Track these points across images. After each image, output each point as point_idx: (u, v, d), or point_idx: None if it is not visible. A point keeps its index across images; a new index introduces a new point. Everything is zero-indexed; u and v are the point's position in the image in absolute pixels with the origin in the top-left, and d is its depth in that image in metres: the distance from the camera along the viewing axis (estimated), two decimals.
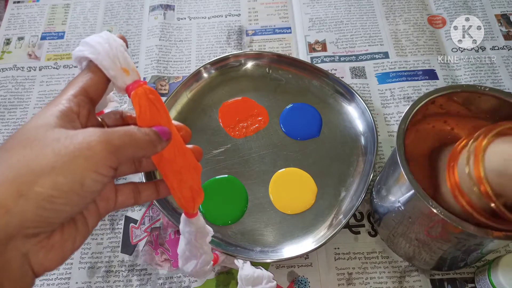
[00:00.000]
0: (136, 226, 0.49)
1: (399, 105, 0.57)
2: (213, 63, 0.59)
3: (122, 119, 0.31)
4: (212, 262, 0.39)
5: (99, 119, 0.29)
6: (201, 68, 0.58)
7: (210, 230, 0.36)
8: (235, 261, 0.44)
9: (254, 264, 0.44)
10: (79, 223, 0.26)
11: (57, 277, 0.46)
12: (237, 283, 0.43)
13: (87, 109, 0.27)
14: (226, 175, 0.51)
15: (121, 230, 0.49)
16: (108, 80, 0.27)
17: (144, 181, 0.48)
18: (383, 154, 0.54)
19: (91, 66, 0.27)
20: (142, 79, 0.28)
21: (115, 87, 0.28)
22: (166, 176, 0.29)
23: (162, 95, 0.59)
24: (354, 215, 0.49)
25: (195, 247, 0.35)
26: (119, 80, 0.27)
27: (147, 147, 0.26)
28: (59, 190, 0.22)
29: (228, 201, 0.50)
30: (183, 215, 0.33)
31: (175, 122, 0.30)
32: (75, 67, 0.63)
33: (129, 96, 0.27)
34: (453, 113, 0.43)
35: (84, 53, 0.27)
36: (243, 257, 0.45)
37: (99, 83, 0.27)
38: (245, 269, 0.43)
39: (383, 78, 0.60)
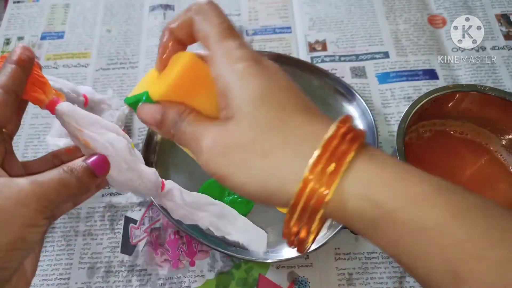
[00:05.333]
0: (136, 226, 0.49)
1: (400, 105, 0.57)
2: None
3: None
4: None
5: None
6: None
7: (96, 122, 0.29)
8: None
9: (255, 263, 0.44)
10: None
11: (56, 277, 0.46)
12: (237, 283, 0.42)
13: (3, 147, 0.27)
14: None
15: (121, 230, 0.49)
16: (15, 99, 0.27)
17: None
18: None
19: None
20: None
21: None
22: None
23: None
24: None
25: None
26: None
27: (81, 193, 0.26)
28: (2, 251, 0.22)
29: (228, 202, 0.50)
30: None
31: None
32: (75, 66, 0.63)
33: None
34: (453, 113, 0.43)
35: None
36: (243, 257, 0.45)
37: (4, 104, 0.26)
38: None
39: (384, 78, 0.60)
